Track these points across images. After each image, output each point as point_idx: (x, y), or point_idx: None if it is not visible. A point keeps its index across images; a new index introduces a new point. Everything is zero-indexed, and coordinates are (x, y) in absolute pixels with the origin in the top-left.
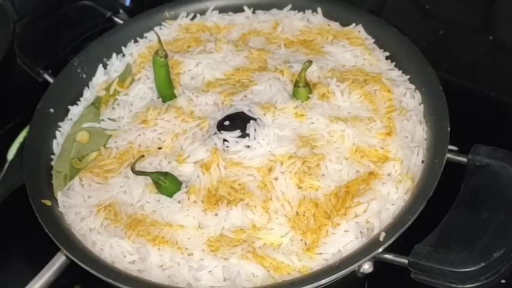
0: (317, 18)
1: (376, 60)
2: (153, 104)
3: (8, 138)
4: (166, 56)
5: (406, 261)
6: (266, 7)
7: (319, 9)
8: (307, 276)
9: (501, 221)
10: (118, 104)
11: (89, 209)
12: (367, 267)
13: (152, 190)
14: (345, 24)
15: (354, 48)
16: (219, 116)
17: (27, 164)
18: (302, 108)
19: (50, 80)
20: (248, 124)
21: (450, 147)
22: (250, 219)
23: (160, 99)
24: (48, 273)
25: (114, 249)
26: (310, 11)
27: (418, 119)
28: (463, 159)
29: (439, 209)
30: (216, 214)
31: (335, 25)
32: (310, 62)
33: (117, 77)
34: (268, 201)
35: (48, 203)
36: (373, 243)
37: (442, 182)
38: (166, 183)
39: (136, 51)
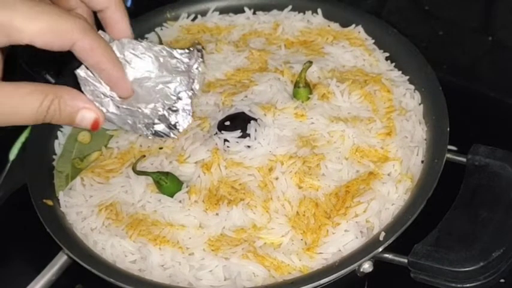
0: (317, 19)
1: (376, 61)
2: None
3: (10, 139)
4: None
5: (405, 260)
6: (266, 8)
7: (319, 10)
8: (307, 276)
9: (500, 221)
10: None
11: (90, 209)
12: (367, 266)
13: (153, 190)
14: (345, 25)
15: (354, 49)
16: (220, 116)
17: (29, 164)
18: (302, 108)
19: (52, 81)
20: (249, 124)
21: (449, 147)
22: (250, 219)
23: None
24: (50, 272)
25: (116, 248)
26: (310, 12)
27: (418, 119)
28: (463, 159)
29: (439, 208)
30: (217, 214)
31: (335, 26)
32: (311, 62)
33: None
34: (269, 201)
35: (49, 202)
36: (373, 243)
37: (442, 182)
38: (167, 183)
39: None
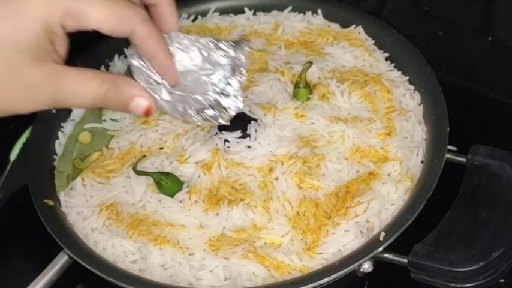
0: (317, 20)
1: (376, 61)
2: None
3: (11, 139)
4: None
5: (405, 260)
6: (267, 9)
7: (319, 11)
8: (307, 276)
9: (500, 221)
10: None
11: (91, 209)
12: (367, 266)
13: (154, 190)
14: (345, 25)
15: (354, 50)
16: None
17: (30, 164)
18: (302, 108)
19: None
20: (249, 125)
21: (449, 147)
22: (251, 219)
23: None
24: (51, 272)
25: (116, 248)
26: (310, 12)
27: (418, 119)
28: (462, 160)
29: (439, 208)
30: (217, 214)
31: (335, 26)
32: (311, 63)
33: None
34: (269, 201)
35: (50, 203)
36: (373, 243)
37: (442, 182)
38: (168, 183)
39: None
